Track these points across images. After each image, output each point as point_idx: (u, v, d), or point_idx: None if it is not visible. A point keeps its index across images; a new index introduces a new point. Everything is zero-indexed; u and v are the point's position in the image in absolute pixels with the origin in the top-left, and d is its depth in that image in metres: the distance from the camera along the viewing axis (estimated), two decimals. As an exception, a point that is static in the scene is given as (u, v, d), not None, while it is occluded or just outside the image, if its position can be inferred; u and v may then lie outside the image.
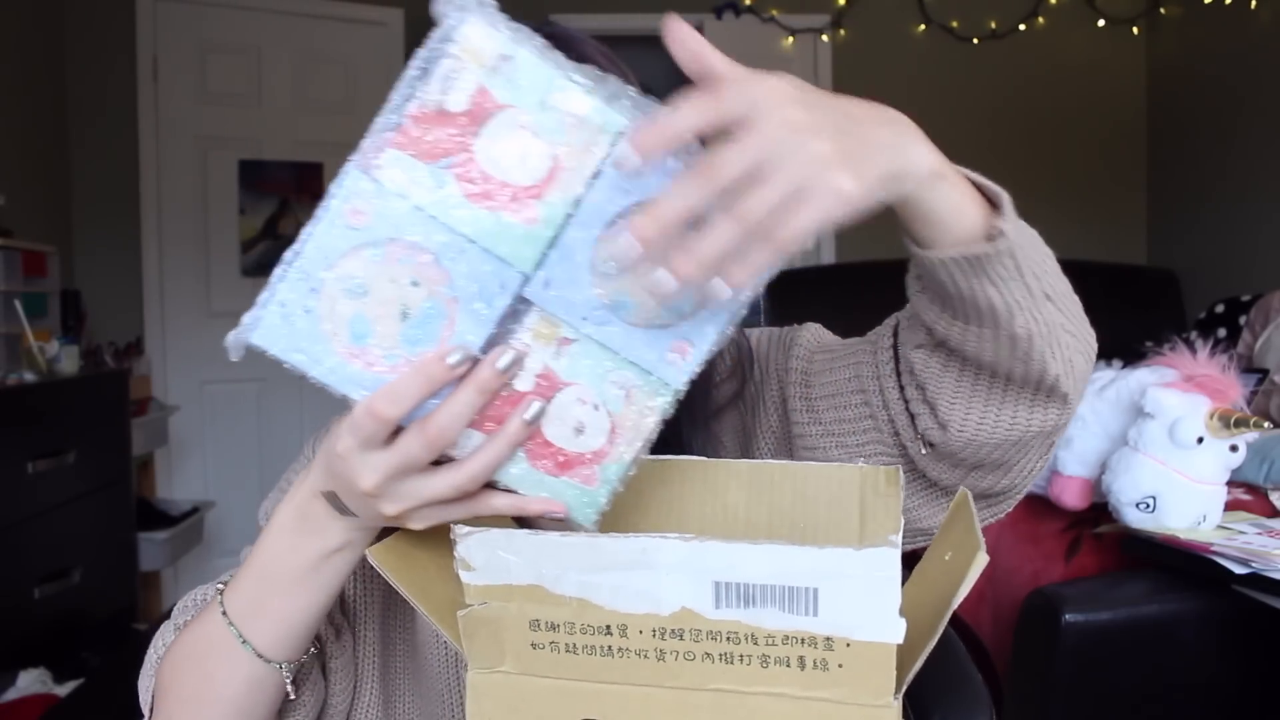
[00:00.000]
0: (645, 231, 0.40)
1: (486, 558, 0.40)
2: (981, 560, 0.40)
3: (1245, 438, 1.34)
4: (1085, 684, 1.29)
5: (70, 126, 3.24)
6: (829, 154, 0.40)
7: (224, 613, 0.58)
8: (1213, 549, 1.24)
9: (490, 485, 0.48)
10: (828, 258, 3.92)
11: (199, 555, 3.28)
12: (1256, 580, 1.17)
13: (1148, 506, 1.35)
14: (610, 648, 0.39)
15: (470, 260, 0.44)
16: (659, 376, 0.47)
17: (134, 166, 3.31)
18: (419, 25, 3.57)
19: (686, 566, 0.37)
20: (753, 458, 0.70)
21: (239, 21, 3.40)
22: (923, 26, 3.93)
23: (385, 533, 0.66)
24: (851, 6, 3.86)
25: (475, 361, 0.45)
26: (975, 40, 3.94)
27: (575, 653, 0.40)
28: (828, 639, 0.37)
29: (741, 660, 0.38)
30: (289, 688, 0.59)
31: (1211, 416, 1.32)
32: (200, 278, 3.42)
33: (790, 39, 3.84)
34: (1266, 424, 1.32)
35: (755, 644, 0.38)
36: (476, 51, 0.42)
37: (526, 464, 0.48)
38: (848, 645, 0.37)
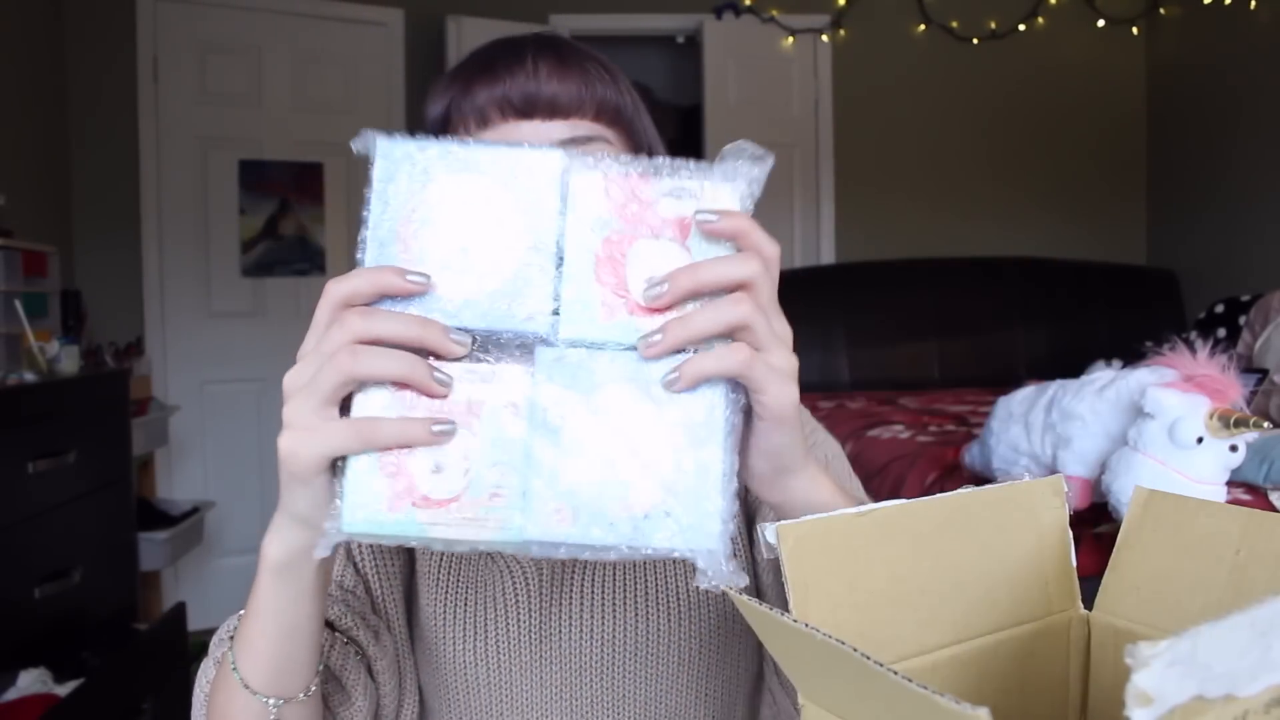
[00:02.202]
0: (682, 283, 0.45)
1: (1179, 677, 0.29)
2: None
3: (1245, 438, 1.34)
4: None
5: (70, 126, 3.24)
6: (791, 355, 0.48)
7: (230, 649, 0.58)
8: (1213, 549, 1.24)
9: None
10: (828, 258, 3.92)
11: (199, 555, 3.28)
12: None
13: (1148, 506, 1.34)
14: None
15: (484, 371, 0.45)
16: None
17: (134, 166, 3.31)
18: (419, 25, 3.57)
19: None
20: None
21: (239, 21, 3.40)
22: (923, 26, 3.93)
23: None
24: (851, 6, 3.86)
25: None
26: (975, 40, 3.94)
27: None
28: None
29: None
30: None
31: (1211, 416, 1.32)
32: (200, 278, 3.42)
33: (790, 39, 3.85)
34: (1266, 424, 1.32)
35: None
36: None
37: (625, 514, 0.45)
38: None
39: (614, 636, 0.71)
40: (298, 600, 0.53)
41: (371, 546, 0.71)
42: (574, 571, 0.72)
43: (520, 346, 0.46)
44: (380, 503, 0.44)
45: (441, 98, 0.67)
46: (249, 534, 3.44)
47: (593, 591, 0.72)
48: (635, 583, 0.72)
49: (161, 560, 2.71)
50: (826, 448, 0.77)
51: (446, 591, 0.72)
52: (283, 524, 0.50)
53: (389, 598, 0.72)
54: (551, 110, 0.64)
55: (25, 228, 2.65)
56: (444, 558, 0.73)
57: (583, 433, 0.45)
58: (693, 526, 0.44)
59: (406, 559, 0.75)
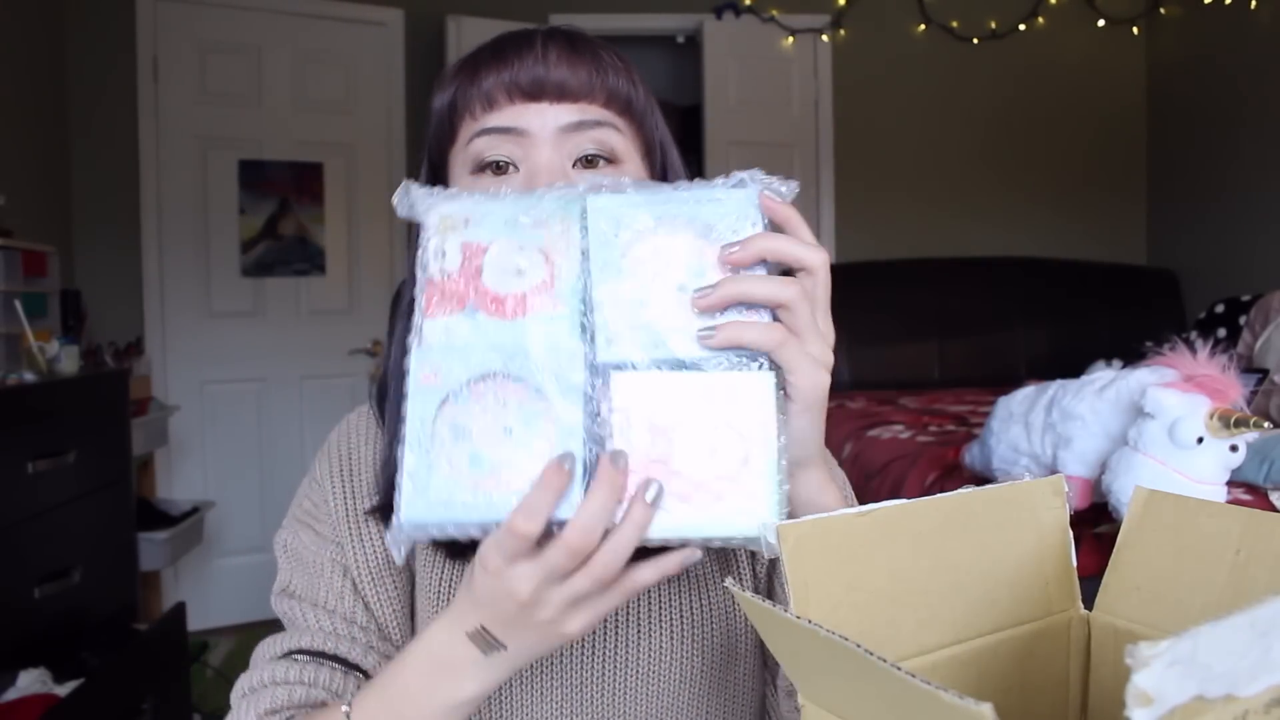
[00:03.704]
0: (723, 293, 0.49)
1: (1179, 677, 0.29)
2: None
3: (1245, 438, 1.33)
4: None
5: (70, 126, 3.24)
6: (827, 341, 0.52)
7: (347, 713, 0.58)
8: (1213, 549, 1.23)
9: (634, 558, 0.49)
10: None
11: (199, 555, 3.28)
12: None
13: (1148, 506, 1.34)
14: None
15: (533, 361, 0.49)
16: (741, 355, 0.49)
17: (134, 166, 3.31)
18: (419, 25, 3.57)
19: None
20: None
21: (239, 21, 3.40)
22: (923, 26, 3.93)
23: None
24: (851, 6, 3.86)
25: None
26: (975, 40, 3.94)
27: None
28: None
29: None
30: None
31: (1211, 416, 1.31)
32: (200, 278, 3.42)
33: (790, 39, 3.84)
34: (1266, 424, 1.32)
35: None
36: (448, 222, 0.52)
37: (684, 507, 0.48)
38: None
39: (615, 654, 0.70)
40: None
41: (371, 572, 0.70)
42: None
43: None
44: (433, 493, 0.48)
45: (448, 87, 0.66)
46: (249, 534, 3.44)
47: None
48: (638, 600, 0.71)
49: (161, 560, 2.71)
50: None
51: (443, 605, 0.71)
52: (493, 669, 0.53)
53: (392, 621, 0.71)
54: (560, 93, 0.63)
55: (25, 228, 2.65)
56: (443, 573, 0.71)
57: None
58: (750, 509, 0.48)
59: (406, 575, 0.73)
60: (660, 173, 0.69)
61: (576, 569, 0.47)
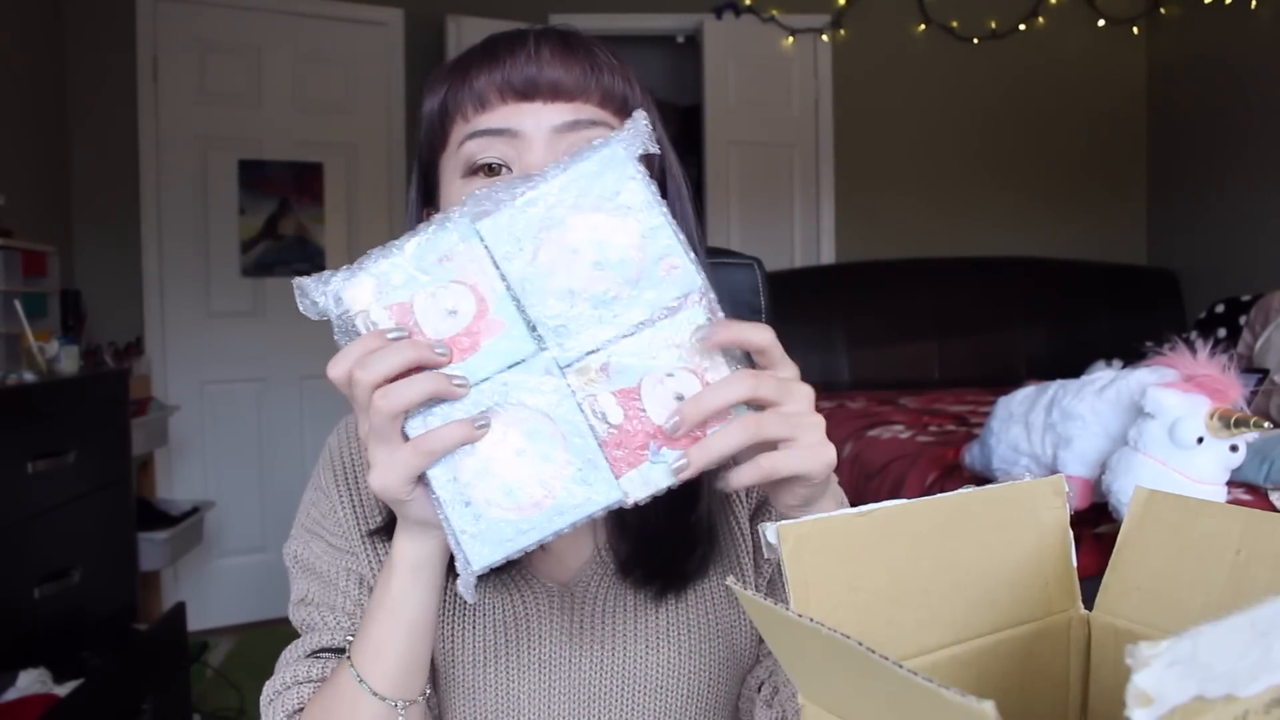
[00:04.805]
0: (689, 414, 0.50)
1: (1179, 677, 0.29)
2: None
3: (1245, 438, 1.33)
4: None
5: (70, 127, 3.24)
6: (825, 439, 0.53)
7: (348, 656, 0.60)
8: (1213, 549, 1.23)
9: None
10: (827, 258, 3.92)
11: (199, 555, 3.28)
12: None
13: (1148, 506, 1.34)
14: None
15: (509, 385, 0.51)
16: (675, 298, 0.52)
17: (134, 166, 3.31)
18: (419, 25, 3.57)
19: None
20: None
21: (239, 21, 3.40)
22: (923, 26, 3.93)
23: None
24: (851, 6, 3.86)
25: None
26: (975, 40, 3.94)
27: None
28: None
29: None
30: None
31: (1211, 416, 1.31)
32: (200, 278, 3.42)
33: (790, 39, 3.84)
34: (1266, 424, 1.32)
35: None
36: (360, 299, 0.52)
37: (684, 453, 0.51)
38: None
39: (623, 668, 0.70)
40: (427, 598, 0.58)
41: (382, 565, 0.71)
42: (583, 601, 0.71)
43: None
44: (489, 535, 0.51)
45: (438, 89, 0.65)
46: (249, 534, 3.44)
47: (603, 622, 0.71)
48: (646, 615, 0.71)
49: (161, 560, 2.71)
50: None
51: (456, 615, 0.71)
52: (407, 531, 0.56)
53: None
54: (554, 93, 0.61)
55: (25, 228, 2.65)
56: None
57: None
58: None
59: None
60: (659, 174, 0.67)
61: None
